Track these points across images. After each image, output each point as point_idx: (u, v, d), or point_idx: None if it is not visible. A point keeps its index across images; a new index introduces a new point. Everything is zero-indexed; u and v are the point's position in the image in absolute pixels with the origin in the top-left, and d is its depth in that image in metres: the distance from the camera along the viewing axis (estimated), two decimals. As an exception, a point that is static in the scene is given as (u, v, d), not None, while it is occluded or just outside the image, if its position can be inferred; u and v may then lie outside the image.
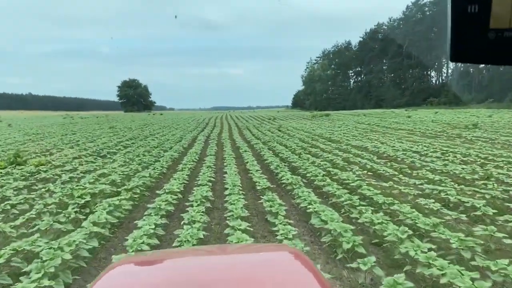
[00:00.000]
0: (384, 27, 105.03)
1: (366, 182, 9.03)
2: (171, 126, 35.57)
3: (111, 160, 13.83)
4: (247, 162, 12.59)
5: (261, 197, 7.92)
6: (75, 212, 6.78)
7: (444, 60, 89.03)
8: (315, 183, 9.18)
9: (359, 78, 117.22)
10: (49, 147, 18.50)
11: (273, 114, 69.95)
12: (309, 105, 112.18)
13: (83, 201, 7.29)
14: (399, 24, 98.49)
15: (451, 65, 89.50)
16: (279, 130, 27.49)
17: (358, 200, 6.93)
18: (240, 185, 8.80)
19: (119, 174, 10.00)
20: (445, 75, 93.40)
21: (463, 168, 10.34)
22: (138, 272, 1.40)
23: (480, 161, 11.71)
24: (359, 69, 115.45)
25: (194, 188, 8.48)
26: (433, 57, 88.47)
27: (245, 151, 15.46)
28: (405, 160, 12.44)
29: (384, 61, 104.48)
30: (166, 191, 8.09)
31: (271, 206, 6.81)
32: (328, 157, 13.31)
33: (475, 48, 0.32)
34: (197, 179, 9.72)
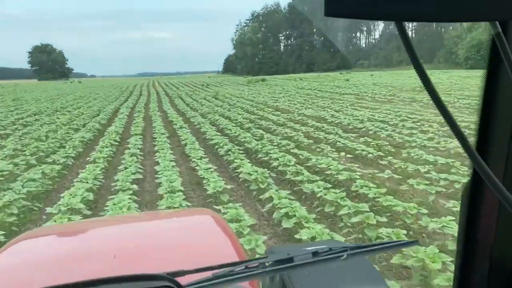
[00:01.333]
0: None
1: (356, 172, 6.63)
2: (88, 96, 30.88)
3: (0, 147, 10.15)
4: (185, 144, 9.69)
5: (216, 207, 5.20)
6: None
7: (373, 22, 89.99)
8: (287, 177, 6.59)
9: (289, 42, 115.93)
10: None
11: (205, 79, 65.88)
12: (241, 70, 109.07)
13: None
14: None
15: (381, 27, 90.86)
16: (216, 98, 24.48)
17: (373, 214, 4.44)
18: (182, 187, 5.95)
19: (-6, 176, 6.63)
20: (373, 37, 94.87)
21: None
22: (42, 245, 1.26)
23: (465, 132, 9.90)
24: (288, 32, 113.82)
25: (110, 198, 5.51)
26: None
27: (181, 127, 12.45)
28: (378, 133, 10.30)
29: (314, 23, 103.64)
30: (62, 208, 5.02)
31: (239, 236, 4.11)
32: (286, 133, 10.79)
33: (349, 2, 0.33)
34: (116, 178, 6.70)
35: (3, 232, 4.66)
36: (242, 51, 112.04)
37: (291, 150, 8.49)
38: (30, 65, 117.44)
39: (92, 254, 1.18)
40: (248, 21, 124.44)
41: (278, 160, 7.22)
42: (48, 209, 5.09)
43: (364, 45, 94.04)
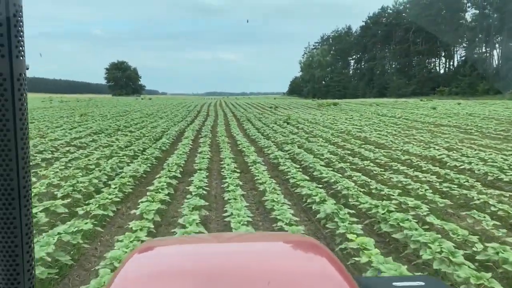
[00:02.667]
0: (389, 10, 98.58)
1: None
2: (155, 114, 29.79)
3: (37, 177, 8.28)
4: (264, 191, 7.14)
5: None
6: None
7: (455, 47, 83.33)
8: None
9: (359, 65, 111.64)
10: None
11: (271, 101, 64.24)
12: (307, 92, 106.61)
13: None
14: (406, 8, 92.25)
15: (461, 50, 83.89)
16: (288, 123, 21.95)
17: None
18: None
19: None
20: (452, 63, 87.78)
21: None
22: (164, 256, 1.13)
23: None
24: (359, 55, 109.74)
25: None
26: (442, 43, 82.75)
27: (255, 162, 9.95)
28: (544, 193, 7.03)
29: (387, 47, 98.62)
30: None
31: None
32: (400, 182, 7.85)
33: None
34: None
35: None
36: (310, 74, 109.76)
37: (426, 218, 5.59)
38: (106, 80, 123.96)
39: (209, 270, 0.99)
40: (317, 44, 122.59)
41: (427, 248, 4.33)
42: None
43: (443, 71, 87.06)
